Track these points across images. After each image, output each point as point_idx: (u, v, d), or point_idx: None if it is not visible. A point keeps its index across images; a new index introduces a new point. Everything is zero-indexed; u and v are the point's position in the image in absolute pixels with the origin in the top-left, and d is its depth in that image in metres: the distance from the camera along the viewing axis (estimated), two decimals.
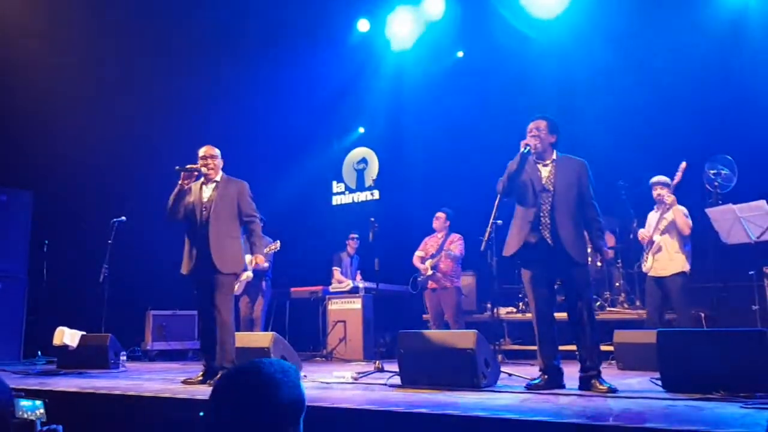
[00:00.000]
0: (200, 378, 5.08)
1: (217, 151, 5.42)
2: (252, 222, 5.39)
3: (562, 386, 4.48)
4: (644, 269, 6.45)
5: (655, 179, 6.45)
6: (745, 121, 7.41)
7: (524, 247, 4.51)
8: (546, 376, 4.50)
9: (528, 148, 4.50)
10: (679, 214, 6.21)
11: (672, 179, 6.26)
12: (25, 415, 2.39)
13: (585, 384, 4.34)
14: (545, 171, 4.58)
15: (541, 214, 4.50)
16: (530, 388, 4.44)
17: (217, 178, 5.37)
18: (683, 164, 6.18)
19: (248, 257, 8.05)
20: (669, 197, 6.21)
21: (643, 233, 6.47)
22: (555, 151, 4.64)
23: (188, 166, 5.23)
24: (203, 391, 4.35)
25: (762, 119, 7.30)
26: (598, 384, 4.26)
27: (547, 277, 4.59)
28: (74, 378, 5.70)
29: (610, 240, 7.60)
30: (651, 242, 6.36)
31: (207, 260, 5.12)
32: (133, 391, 4.31)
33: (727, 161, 6.46)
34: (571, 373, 4.57)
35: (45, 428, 2.24)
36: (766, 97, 7.38)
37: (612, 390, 4.18)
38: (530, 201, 4.54)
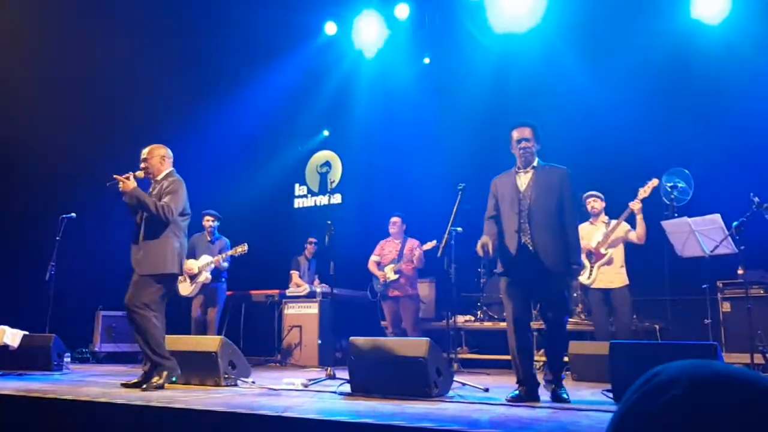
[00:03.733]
0: (137, 381, 4.92)
1: (152, 151, 5.21)
2: (162, 207, 4.94)
3: (537, 398, 4.38)
4: (585, 281, 6.48)
5: (590, 192, 6.55)
6: (702, 136, 7.50)
7: (514, 259, 4.46)
8: (524, 388, 4.40)
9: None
10: (643, 224, 6.27)
11: (637, 193, 6.31)
12: None
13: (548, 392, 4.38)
14: (525, 178, 4.56)
15: (521, 220, 4.46)
16: (511, 400, 4.30)
17: (159, 177, 5.19)
18: (655, 181, 6.25)
19: (206, 258, 7.92)
20: (637, 204, 6.25)
21: (583, 245, 6.48)
22: (537, 159, 4.62)
23: (115, 177, 5.06)
24: (141, 397, 4.19)
25: (719, 134, 7.41)
26: (553, 392, 4.31)
27: (524, 285, 4.51)
28: (12, 380, 5.48)
29: None
30: (594, 254, 6.39)
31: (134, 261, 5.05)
32: (70, 394, 4.13)
33: (684, 175, 6.52)
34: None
35: None
36: (724, 112, 7.51)
37: (566, 400, 4.20)
38: (512, 209, 4.51)
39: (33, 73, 9.25)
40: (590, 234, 6.55)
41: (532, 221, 4.43)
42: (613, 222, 6.44)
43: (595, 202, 6.55)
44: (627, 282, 6.33)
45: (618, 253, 6.39)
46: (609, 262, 6.36)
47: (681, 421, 0.70)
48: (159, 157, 5.21)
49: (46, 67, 9.36)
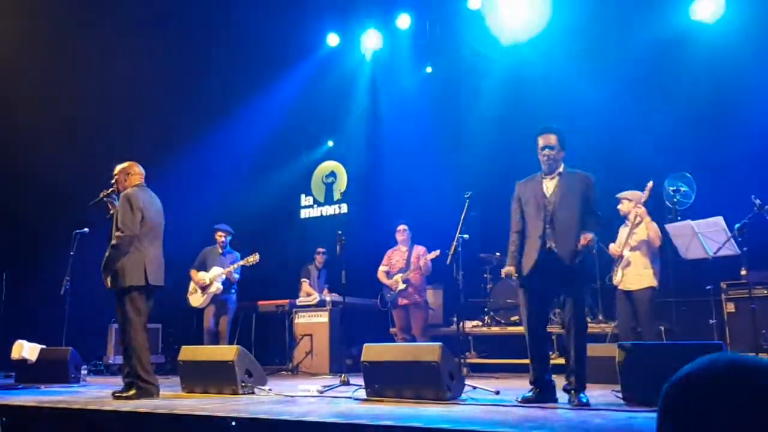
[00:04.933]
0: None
1: (120, 169, 5.45)
2: (115, 237, 5.14)
3: (554, 400, 4.43)
4: (615, 282, 6.54)
5: (620, 194, 6.59)
6: (704, 140, 7.60)
7: (536, 263, 4.47)
8: (537, 389, 4.46)
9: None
10: (652, 227, 6.30)
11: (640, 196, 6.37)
12: None
13: (568, 396, 4.37)
14: (551, 184, 4.56)
15: (546, 226, 4.48)
16: (522, 401, 4.37)
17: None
18: (650, 183, 6.29)
19: (217, 269, 8.04)
20: (640, 209, 6.30)
21: (614, 248, 6.56)
22: (563, 165, 4.60)
23: (96, 200, 5.51)
24: (165, 405, 4.30)
25: (720, 138, 7.50)
26: (574, 397, 4.26)
27: (543, 290, 4.54)
28: (33, 393, 5.59)
29: None
30: (620, 257, 6.47)
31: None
32: (94, 405, 4.24)
33: (687, 178, 6.62)
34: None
35: None
36: (725, 115, 7.61)
37: (584, 404, 4.17)
38: (538, 215, 4.52)
39: (45, 90, 9.37)
40: (621, 236, 6.57)
41: (556, 226, 4.45)
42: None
43: (621, 205, 6.51)
44: (651, 284, 6.26)
45: (638, 256, 6.35)
46: (628, 265, 6.37)
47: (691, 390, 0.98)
48: (124, 174, 5.43)
49: (57, 83, 9.49)
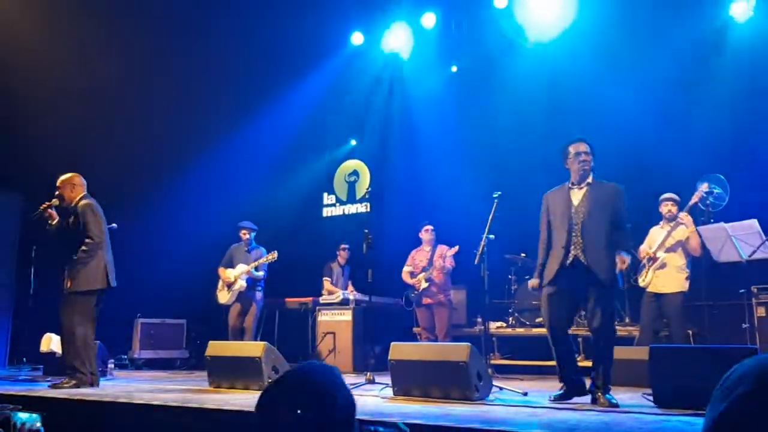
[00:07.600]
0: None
1: (64, 181, 5.69)
2: (86, 244, 5.46)
3: (581, 394, 4.51)
4: (642, 284, 6.47)
5: (665, 195, 6.50)
6: (738, 141, 7.46)
7: (559, 271, 4.53)
8: (566, 386, 4.56)
9: None
10: (696, 236, 6.22)
11: (689, 199, 6.32)
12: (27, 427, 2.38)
13: (592, 397, 4.43)
14: (579, 194, 4.61)
15: (573, 235, 4.52)
16: (555, 399, 4.50)
17: (73, 203, 5.62)
18: (705, 185, 6.22)
19: (242, 267, 8.08)
20: (686, 217, 6.25)
21: (644, 249, 6.49)
22: (591, 175, 4.66)
23: (38, 212, 5.74)
24: (196, 399, 4.31)
25: (755, 139, 7.36)
26: (601, 398, 4.32)
27: (568, 297, 4.57)
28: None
29: None
30: (652, 258, 6.39)
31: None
32: (125, 398, 4.27)
33: (720, 180, 6.51)
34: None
35: None
36: (759, 115, 7.46)
37: (613, 405, 4.23)
38: (563, 225, 4.57)
39: (76, 79, 9.46)
40: (654, 238, 6.50)
41: (584, 236, 4.48)
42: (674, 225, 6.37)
43: (673, 207, 6.42)
44: (683, 288, 6.21)
45: (674, 258, 6.29)
46: (662, 266, 6.30)
47: (749, 413, 0.83)
48: (70, 186, 5.68)
49: (88, 70, 9.57)
